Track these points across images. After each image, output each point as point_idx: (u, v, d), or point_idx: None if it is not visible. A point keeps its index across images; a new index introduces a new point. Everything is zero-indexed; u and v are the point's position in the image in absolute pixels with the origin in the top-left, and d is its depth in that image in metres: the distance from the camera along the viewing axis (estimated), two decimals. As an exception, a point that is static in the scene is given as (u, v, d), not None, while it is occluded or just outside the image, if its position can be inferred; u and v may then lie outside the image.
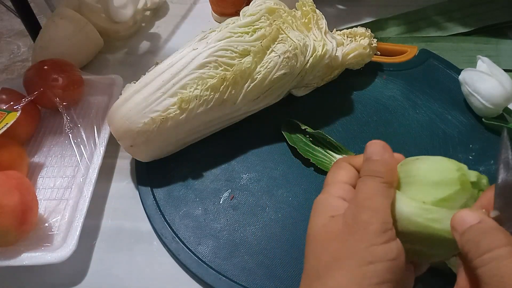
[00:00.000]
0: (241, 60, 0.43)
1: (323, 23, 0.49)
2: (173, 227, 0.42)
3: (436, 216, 0.26)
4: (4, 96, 0.48)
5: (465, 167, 0.28)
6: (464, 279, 0.25)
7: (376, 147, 0.29)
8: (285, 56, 0.43)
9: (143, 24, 0.70)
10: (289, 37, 0.44)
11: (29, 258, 0.39)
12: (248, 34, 0.44)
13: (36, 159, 0.49)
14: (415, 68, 0.56)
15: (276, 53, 0.43)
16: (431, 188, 0.27)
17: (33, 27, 0.87)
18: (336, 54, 0.48)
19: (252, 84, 0.43)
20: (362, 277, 0.24)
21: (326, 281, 0.25)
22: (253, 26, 0.45)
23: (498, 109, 0.47)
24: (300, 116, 0.49)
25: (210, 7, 0.70)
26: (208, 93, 0.42)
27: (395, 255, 0.25)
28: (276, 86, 0.45)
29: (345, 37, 0.52)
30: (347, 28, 0.54)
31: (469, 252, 0.23)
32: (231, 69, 0.42)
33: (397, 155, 0.31)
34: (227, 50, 0.43)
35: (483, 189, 0.27)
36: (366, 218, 0.26)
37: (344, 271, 0.25)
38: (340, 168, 0.31)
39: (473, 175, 0.27)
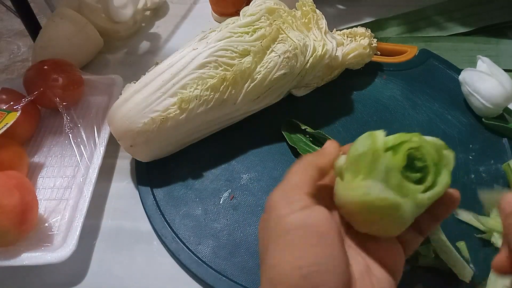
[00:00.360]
0: (241, 60, 0.43)
1: (323, 23, 0.49)
2: (173, 227, 0.42)
3: (364, 190, 0.26)
4: (4, 96, 0.48)
5: (380, 134, 0.28)
6: (505, 252, 0.26)
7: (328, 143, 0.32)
8: (285, 56, 0.43)
9: (143, 24, 0.70)
10: (289, 37, 0.44)
11: (29, 258, 0.39)
12: (248, 34, 0.44)
13: (36, 159, 0.49)
14: (415, 68, 0.56)
15: (276, 53, 0.43)
16: (355, 165, 0.27)
17: (33, 27, 0.87)
18: (336, 54, 0.48)
19: (252, 84, 0.43)
20: (286, 245, 0.25)
21: (266, 261, 0.26)
22: (253, 26, 0.45)
23: (498, 109, 0.47)
24: (300, 116, 0.49)
25: (210, 7, 0.70)
26: (208, 93, 0.42)
27: (314, 220, 0.25)
28: (276, 86, 0.45)
29: (345, 37, 0.52)
30: (347, 28, 0.54)
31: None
32: (231, 69, 0.42)
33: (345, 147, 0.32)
34: (227, 50, 0.43)
35: (413, 145, 0.27)
36: (293, 180, 0.28)
37: (273, 245, 0.25)
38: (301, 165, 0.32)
39: (391, 139, 0.27)
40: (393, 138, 0.27)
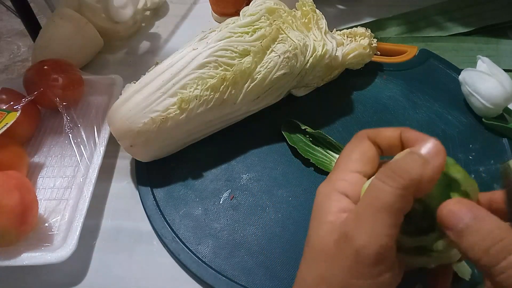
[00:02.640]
0: (241, 60, 0.43)
1: (323, 23, 0.49)
2: (173, 227, 0.42)
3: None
4: (4, 96, 0.48)
5: None
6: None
7: (429, 145, 0.24)
8: (285, 56, 0.43)
9: (143, 24, 0.70)
10: (289, 37, 0.44)
11: (29, 258, 0.39)
12: (248, 34, 0.44)
13: (36, 159, 0.49)
14: (415, 68, 0.56)
15: (276, 53, 0.43)
16: None
17: (33, 27, 0.87)
18: (336, 54, 0.48)
19: (252, 84, 0.43)
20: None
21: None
22: (253, 26, 0.45)
23: (498, 109, 0.47)
24: (300, 116, 0.49)
25: (210, 7, 0.70)
26: (208, 93, 0.42)
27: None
28: (276, 86, 0.45)
29: (345, 37, 0.52)
30: (347, 28, 0.54)
31: (480, 260, 0.20)
32: (231, 69, 0.42)
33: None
34: (227, 50, 0.43)
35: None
36: (360, 242, 0.22)
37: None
38: (356, 149, 0.27)
39: None
40: None
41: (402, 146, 0.26)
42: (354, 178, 0.26)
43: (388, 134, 0.26)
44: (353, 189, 0.25)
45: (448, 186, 0.24)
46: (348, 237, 0.22)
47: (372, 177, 0.25)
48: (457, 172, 0.24)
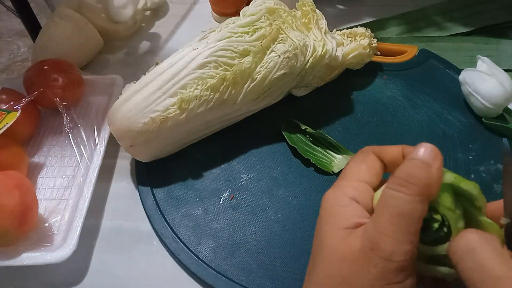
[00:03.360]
0: (241, 60, 0.43)
1: (323, 23, 0.49)
2: (173, 227, 0.42)
3: None
4: (4, 96, 0.48)
5: None
6: None
7: (427, 150, 0.24)
8: (285, 56, 0.43)
9: (143, 24, 0.70)
10: (289, 37, 0.44)
11: (29, 258, 0.39)
12: (248, 34, 0.44)
13: (36, 159, 0.49)
14: (415, 68, 0.56)
15: (276, 53, 0.43)
16: None
17: (33, 27, 0.88)
18: (336, 54, 0.48)
19: (252, 84, 0.43)
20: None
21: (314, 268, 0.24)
22: (253, 26, 0.45)
23: (498, 109, 0.47)
24: (300, 116, 0.49)
25: (210, 7, 0.70)
26: (208, 93, 0.42)
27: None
28: (276, 86, 0.45)
29: (345, 37, 0.52)
30: (347, 28, 0.54)
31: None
32: (231, 69, 0.42)
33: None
34: (227, 50, 0.43)
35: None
36: (387, 251, 0.22)
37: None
38: (363, 161, 0.28)
39: None
40: None
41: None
42: (363, 186, 0.26)
43: (392, 149, 0.28)
44: (363, 196, 0.26)
45: (464, 199, 0.25)
46: (374, 245, 0.23)
47: (382, 187, 0.25)
48: (473, 188, 0.24)
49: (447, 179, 0.24)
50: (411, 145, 0.27)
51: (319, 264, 0.26)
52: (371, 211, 0.26)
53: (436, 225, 0.24)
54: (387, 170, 0.28)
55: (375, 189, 0.27)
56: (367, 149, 0.29)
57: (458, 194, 0.25)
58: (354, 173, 0.27)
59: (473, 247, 0.22)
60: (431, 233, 0.24)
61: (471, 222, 0.25)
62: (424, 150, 0.25)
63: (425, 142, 0.25)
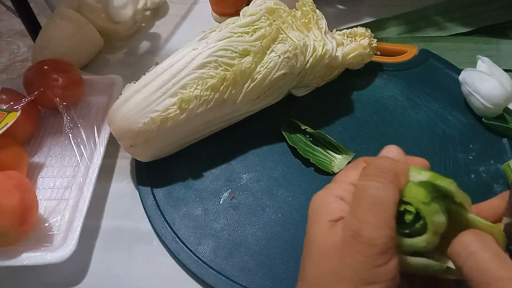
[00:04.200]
0: (241, 60, 0.43)
1: (323, 23, 0.49)
2: (173, 227, 0.42)
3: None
4: (4, 96, 0.48)
5: None
6: None
7: (389, 148, 0.28)
8: (285, 56, 0.43)
9: (143, 24, 0.70)
10: (289, 37, 0.44)
11: (29, 258, 0.39)
12: (248, 34, 0.44)
13: (36, 159, 0.49)
14: (415, 68, 0.56)
15: (276, 53, 0.43)
16: None
17: (33, 27, 0.87)
18: (336, 54, 0.48)
19: (252, 84, 0.43)
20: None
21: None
22: (253, 26, 0.45)
23: (498, 109, 0.47)
24: (300, 116, 0.49)
25: (210, 7, 0.70)
26: (208, 93, 0.42)
27: (393, 275, 0.24)
28: (276, 86, 0.45)
29: (345, 37, 0.52)
30: (347, 28, 0.54)
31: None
32: (231, 69, 0.42)
33: (418, 160, 0.29)
34: (227, 50, 0.43)
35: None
36: (368, 237, 0.24)
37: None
38: (354, 168, 0.29)
39: None
40: None
41: None
42: (350, 188, 0.28)
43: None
44: (348, 195, 0.27)
45: (443, 197, 0.26)
46: (355, 233, 0.24)
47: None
48: (449, 184, 0.26)
49: (423, 177, 0.26)
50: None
51: (307, 260, 0.27)
52: None
53: (410, 217, 0.25)
54: None
55: None
56: (359, 159, 0.31)
57: (443, 194, 0.26)
58: (344, 177, 0.29)
59: (473, 250, 0.23)
60: (406, 225, 0.25)
61: (460, 220, 0.26)
62: (390, 150, 0.28)
63: (390, 145, 0.29)
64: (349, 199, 0.27)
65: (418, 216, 0.25)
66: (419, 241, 0.25)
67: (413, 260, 0.26)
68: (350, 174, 0.29)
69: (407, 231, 0.25)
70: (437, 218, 0.25)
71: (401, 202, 0.25)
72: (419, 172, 0.26)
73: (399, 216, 0.25)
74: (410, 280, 0.29)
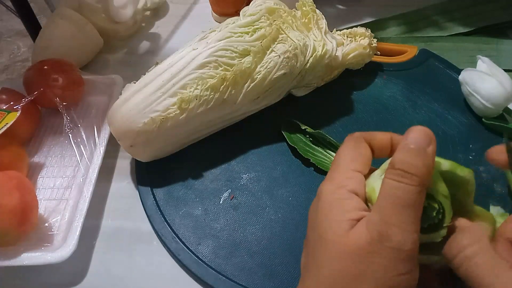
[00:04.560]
0: (241, 60, 0.43)
1: (323, 23, 0.49)
2: (173, 227, 0.42)
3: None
4: (4, 96, 0.48)
5: None
6: None
7: (420, 135, 0.25)
8: (285, 56, 0.43)
9: (143, 24, 0.70)
10: (289, 37, 0.44)
11: (29, 258, 0.39)
12: (248, 34, 0.44)
13: (36, 159, 0.49)
14: (415, 68, 0.56)
15: (276, 53, 0.43)
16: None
17: (33, 27, 0.88)
18: (336, 54, 0.48)
19: (252, 84, 0.43)
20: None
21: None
22: (253, 26, 0.45)
23: (498, 109, 0.47)
24: (300, 116, 0.49)
25: (210, 7, 0.70)
26: (208, 93, 0.42)
27: (415, 283, 0.24)
28: (276, 86, 0.45)
29: (345, 37, 0.52)
30: (347, 28, 0.54)
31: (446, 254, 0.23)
32: (231, 69, 0.42)
33: None
34: (227, 50, 0.43)
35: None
36: (397, 241, 0.23)
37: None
38: (356, 149, 0.28)
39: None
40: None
41: (392, 149, 0.29)
42: (358, 177, 0.27)
43: (381, 137, 0.28)
44: (360, 188, 0.26)
45: (453, 186, 0.25)
46: (383, 236, 0.23)
47: (373, 174, 0.26)
48: (467, 173, 0.25)
49: (444, 166, 0.25)
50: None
51: (321, 260, 0.25)
52: (365, 201, 0.26)
53: (434, 213, 0.24)
54: (375, 156, 0.29)
55: (366, 176, 0.27)
56: (358, 136, 0.29)
57: (448, 181, 0.25)
58: (348, 163, 0.27)
59: (468, 254, 0.23)
60: (427, 220, 0.24)
61: (461, 209, 0.26)
62: (418, 135, 0.25)
63: (416, 126, 0.25)
64: (361, 193, 0.26)
65: (438, 210, 0.24)
66: (437, 236, 0.25)
67: (426, 258, 0.25)
68: (353, 159, 0.28)
69: (425, 225, 0.25)
70: (451, 211, 0.25)
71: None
72: (438, 162, 0.25)
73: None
74: None
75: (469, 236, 0.23)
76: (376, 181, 0.26)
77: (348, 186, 0.26)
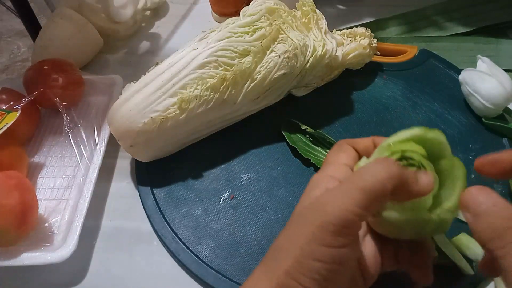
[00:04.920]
0: (241, 60, 0.43)
1: (323, 23, 0.49)
2: (173, 227, 0.42)
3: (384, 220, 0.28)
4: (4, 96, 0.48)
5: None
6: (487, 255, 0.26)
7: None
8: (285, 56, 0.43)
9: (143, 24, 0.70)
10: (289, 37, 0.44)
11: (29, 258, 0.39)
12: (248, 34, 0.44)
13: (36, 159, 0.49)
14: (415, 68, 0.56)
15: (276, 53, 0.43)
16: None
17: (33, 27, 0.88)
18: (336, 54, 0.48)
19: (252, 84, 0.43)
20: (300, 268, 0.24)
21: (275, 256, 0.26)
22: (253, 26, 0.45)
23: (498, 109, 0.47)
24: (300, 116, 0.49)
25: (210, 7, 0.70)
26: (208, 93, 0.42)
27: (342, 260, 0.24)
28: (276, 86, 0.45)
29: (345, 37, 0.52)
30: (347, 28, 0.54)
31: (490, 242, 0.23)
32: (231, 69, 0.42)
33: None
34: (227, 50, 0.43)
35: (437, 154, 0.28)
36: (326, 211, 0.24)
37: (290, 254, 0.25)
38: (341, 151, 0.32)
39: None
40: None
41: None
42: (345, 169, 0.30)
43: (364, 141, 0.32)
44: (342, 174, 0.29)
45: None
46: (320, 203, 0.25)
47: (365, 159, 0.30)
48: (438, 132, 0.28)
49: (415, 132, 0.28)
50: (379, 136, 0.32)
51: (285, 228, 0.28)
52: None
53: (413, 168, 0.27)
54: (361, 156, 0.32)
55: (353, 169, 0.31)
56: (341, 142, 0.33)
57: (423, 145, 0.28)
58: (335, 159, 0.31)
59: (485, 209, 0.24)
60: None
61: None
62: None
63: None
64: (339, 177, 0.29)
65: (419, 168, 0.27)
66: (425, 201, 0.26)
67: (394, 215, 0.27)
68: (340, 156, 0.31)
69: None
70: (433, 170, 0.27)
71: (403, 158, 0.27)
72: (409, 131, 0.28)
73: None
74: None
75: (484, 191, 0.25)
76: (361, 163, 0.30)
77: (336, 176, 0.29)
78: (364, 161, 0.30)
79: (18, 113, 0.45)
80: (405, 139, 0.28)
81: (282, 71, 0.44)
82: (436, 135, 0.28)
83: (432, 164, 0.28)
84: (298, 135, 0.48)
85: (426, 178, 0.26)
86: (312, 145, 0.47)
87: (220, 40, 0.43)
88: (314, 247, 0.24)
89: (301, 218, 0.26)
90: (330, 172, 0.30)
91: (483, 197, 0.24)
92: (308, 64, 0.46)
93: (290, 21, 0.46)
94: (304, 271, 0.24)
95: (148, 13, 0.72)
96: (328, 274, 0.24)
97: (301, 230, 0.25)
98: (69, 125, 0.49)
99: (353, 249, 0.25)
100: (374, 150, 0.30)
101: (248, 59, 0.43)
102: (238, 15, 0.47)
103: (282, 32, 0.44)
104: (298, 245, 0.25)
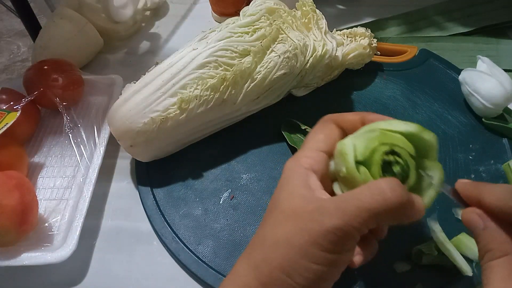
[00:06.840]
0: (241, 60, 0.43)
1: (323, 23, 0.49)
2: (173, 227, 0.42)
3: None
4: (4, 96, 0.48)
5: (348, 150, 0.28)
6: None
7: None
8: (285, 56, 0.43)
9: (143, 24, 0.70)
10: (289, 37, 0.44)
11: (29, 258, 0.39)
12: (248, 34, 0.44)
13: (36, 159, 0.49)
14: (415, 68, 0.56)
15: (276, 53, 0.43)
16: (343, 183, 0.29)
17: (33, 27, 0.87)
18: (336, 54, 0.48)
19: (252, 84, 0.43)
20: (296, 266, 0.25)
21: (264, 250, 0.27)
22: (253, 26, 0.45)
23: (498, 109, 0.47)
24: (300, 116, 0.49)
25: (210, 7, 0.70)
26: (208, 93, 0.42)
27: (337, 265, 0.26)
28: (276, 86, 0.45)
29: (345, 37, 0.52)
30: (347, 28, 0.54)
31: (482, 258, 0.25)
32: (231, 69, 0.42)
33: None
34: (227, 50, 0.43)
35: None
36: (334, 223, 0.25)
37: (286, 251, 0.26)
38: (322, 131, 0.31)
39: (360, 151, 0.28)
40: (363, 149, 0.27)
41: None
42: (319, 156, 0.29)
43: (351, 118, 0.31)
44: (318, 166, 0.29)
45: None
46: (325, 212, 0.25)
47: (343, 140, 0.29)
48: (432, 136, 0.28)
49: (411, 128, 0.28)
50: (372, 112, 0.31)
51: (267, 222, 0.28)
52: (325, 177, 0.29)
53: (398, 167, 0.27)
54: (346, 134, 0.31)
55: (331, 154, 0.30)
56: (326, 118, 0.32)
57: (415, 144, 0.28)
58: (312, 143, 0.30)
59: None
60: (390, 175, 0.27)
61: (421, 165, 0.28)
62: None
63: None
64: (317, 169, 0.29)
65: (404, 168, 0.27)
66: None
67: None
68: (318, 140, 0.30)
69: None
70: (416, 172, 0.27)
71: (391, 152, 0.27)
72: (405, 124, 0.28)
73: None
74: None
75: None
76: (346, 139, 0.29)
77: (306, 164, 0.29)
78: (348, 140, 0.29)
79: (18, 113, 0.45)
80: (398, 131, 0.28)
81: (282, 71, 0.44)
82: (431, 139, 0.28)
83: (415, 163, 0.27)
84: (298, 135, 0.48)
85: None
86: (312, 145, 0.47)
87: (220, 40, 0.43)
88: (314, 251, 0.25)
89: (301, 219, 0.26)
90: (303, 160, 0.29)
91: (479, 220, 0.26)
92: (308, 64, 0.46)
93: (290, 21, 0.46)
94: (299, 269, 0.25)
95: (148, 13, 0.72)
96: (322, 275, 0.25)
97: (301, 230, 0.26)
98: (69, 125, 0.49)
99: (351, 254, 0.27)
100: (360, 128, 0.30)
101: (248, 59, 0.43)
102: (238, 15, 0.47)
103: (282, 32, 0.44)
104: (297, 245, 0.25)
